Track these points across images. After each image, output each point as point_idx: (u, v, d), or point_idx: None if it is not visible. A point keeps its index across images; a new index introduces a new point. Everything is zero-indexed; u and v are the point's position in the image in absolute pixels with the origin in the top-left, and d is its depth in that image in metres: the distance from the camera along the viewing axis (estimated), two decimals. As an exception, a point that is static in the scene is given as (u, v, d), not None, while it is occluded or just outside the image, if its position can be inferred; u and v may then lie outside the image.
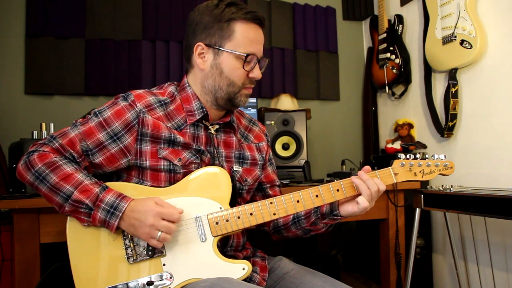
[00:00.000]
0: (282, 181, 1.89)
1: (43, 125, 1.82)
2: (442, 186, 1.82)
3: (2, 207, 1.39)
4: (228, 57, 1.11)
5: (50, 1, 2.27)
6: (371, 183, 1.08)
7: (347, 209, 1.11)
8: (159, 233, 1.01)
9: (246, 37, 1.11)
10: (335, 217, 1.14)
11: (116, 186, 1.09)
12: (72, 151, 1.07)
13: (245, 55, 1.11)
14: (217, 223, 1.08)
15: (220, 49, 1.11)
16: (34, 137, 1.76)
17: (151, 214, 1.01)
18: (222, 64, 1.12)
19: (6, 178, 1.85)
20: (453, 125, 2.17)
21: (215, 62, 1.13)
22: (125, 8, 2.41)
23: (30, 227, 1.40)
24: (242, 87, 1.15)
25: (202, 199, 1.10)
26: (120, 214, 1.02)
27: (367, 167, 1.13)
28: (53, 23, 2.27)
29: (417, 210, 1.85)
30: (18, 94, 2.22)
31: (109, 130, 1.08)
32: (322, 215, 1.17)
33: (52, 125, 1.83)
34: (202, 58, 1.14)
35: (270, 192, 1.32)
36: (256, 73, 1.15)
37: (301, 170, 2.19)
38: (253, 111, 2.32)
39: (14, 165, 1.63)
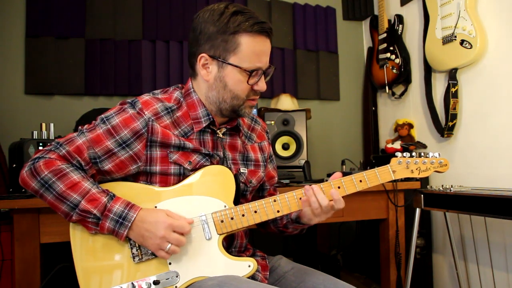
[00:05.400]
0: (282, 181, 1.89)
1: (43, 125, 1.82)
2: (442, 186, 1.82)
3: (2, 207, 1.39)
4: (233, 71, 1.08)
5: (50, 1, 2.27)
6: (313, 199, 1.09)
7: (308, 218, 1.14)
8: (169, 245, 1.00)
9: (251, 51, 1.07)
10: (299, 224, 1.20)
11: (121, 186, 1.09)
12: (80, 159, 1.05)
13: (250, 71, 1.08)
14: (222, 221, 1.08)
15: (224, 63, 1.08)
16: (34, 137, 1.76)
17: (162, 226, 1.00)
18: (226, 78, 1.09)
19: (6, 178, 1.85)
20: (453, 125, 2.17)
21: (219, 75, 1.10)
22: (125, 8, 2.41)
23: (30, 227, 1.40)
24: (246, 99, 1.13)
25: (206, 198, 1.10)
26: (129, 224, 1.01)
27: (338, 173, 1.15)
28: (53, 23, 2.27)
29: (417, 210, 1.85)
30: (18, 94, 2.22)
31: (117, 137, 1.07)
32: (291, 219, 1.22)
33: (52, 125, 1.83)
34: (206, 69, 1.11)
35: (269, 187, 1.33)
36: (261, 86, 1.12)
37: (301, 170, 2.19)
38: (254, 111, 2.32)
39: (14, 165, 1.63)
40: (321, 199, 1.08)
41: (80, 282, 1.03)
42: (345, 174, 1.18)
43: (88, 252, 1.05)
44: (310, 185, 1.11)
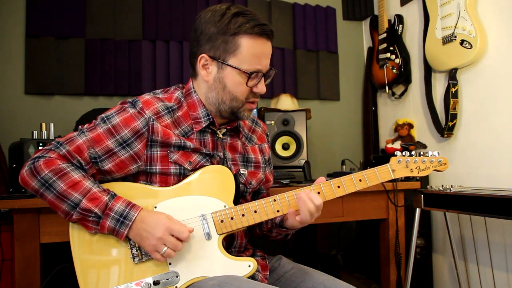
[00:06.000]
0: (282, 181, 1.89)
1: (43, 125, 1.82)
2: (442, 186, 1.82)
3: (2, 207, 1.39)
4: (232, 72, 1.08)
5: (50, 1, 2.27)
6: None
7: (291, 222, 1.15)
8: (165, 248, 1.00)
9: (251, 53, 1.07)
10: (283, 229, 1.21)
11: (121, 186, 1.09)
12: (80, 158, 1.05)
13: (249, 73, 1.08)
14: (222, 221, 1.08)
15: (224, 64, 1.08)
16: (34, 137, 1.76)
17: (161, 227, 1.00)
18: (225, 79, 1.09)
19: (6, 178, 1.85)
20: (453, 125, 2.17)
21: (218, 76, 1.10)
22: (125, 8, 2.41)
23: (30, 227, 1.40)
24: (246, 102, 1.13)
25: (206, 198, 1.10)
26: (130, 223, 1.01)
27: (322, 178, 1.14)
28: (53, 23, 2.27)
29: (417, 210, 1.85)
30: (18, 94, 2.22)
31: (118, 137, 1.06)
32: (275, 223, 1.22)
33: (52, 125, 1.83)
34: (206, 70, 1.11)
35: (264, 190, 1.34)
36: (260, 88, 1.12)
37: (301, 170, 2.19)
38: (254, 111, 2.32)
39: (14, 165, 1.63)
40: (315, 198, 1.09)
41: (80, 283, 1.03)
42: (344, 174, 1.18)
43: (88, 252, 1.05)
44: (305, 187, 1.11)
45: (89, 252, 1.05)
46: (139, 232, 1.01)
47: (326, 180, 1.14)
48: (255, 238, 1.38)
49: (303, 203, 1.08)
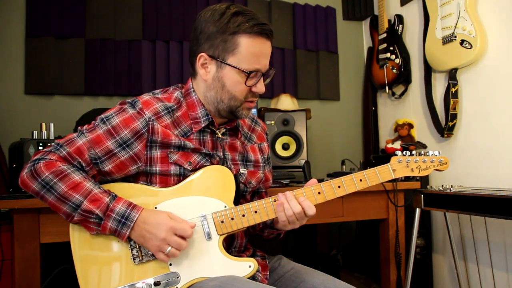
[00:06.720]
0: (282, 181, 1.89)
1: (43, 125, 1.82)
2: (442, 186, 1.82)
3: (2, 207, 1.39)
4: (231, 72, 1.08)
5: (50, 1, 2.27)
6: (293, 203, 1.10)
7: (282, 224, 1.14)
8: (169, 248, 1.00)
9: (250, 52, 1.07)
10: (274, 230, 1.23)
11: (121, 187, 1.09)
12: (80, 160, 1.04)
13: (248, 72, 1.08)
14: (222, 221, 1.08)
15: (223, 63, 1.08)
16: (34, 137, 1.76)
17: (164, 227, 1.00)
18: (224, 78, 1.09)
19: (6, 178, 1.85)
20: (453, 125, 2.17)
21: (217, 75, 1.10)
22: (125, 8, 2.41)
23: (30, 227, 1.40)
24: (244, 101, 1.13)
25: (206, 198, 1.10)
26: (132, 224, 1.01)
27: (314, 180, 1.14)
28: (53, 23, 2.27)
29: (417, 210, 1.85)
30: (18, 94, 2.22)
31: (118, 138, 1.06)
32: (266, 224, 1.23)
33: (52, 125, 1.83)
34: (205, 69, 1.11)
35: (263, 189, 1.34)
36: (259, 88, 1.12)
37: (301, 170, 2.19)
38: (253, 111, 2.32)
39: (14, 165, 1.63)
40: (294, 205, 1.08)
41: (80, 283, 1.03)
42: (344, 174, 1.18)
43: (88, 253, 1.04)
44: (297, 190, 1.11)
45: (89, 253, 1.04)
46: (142, 233, 1.01)
47: (326, 180, 1.14)
48: (255, 237, 1.38)
49: (281, 208, 1.09)
